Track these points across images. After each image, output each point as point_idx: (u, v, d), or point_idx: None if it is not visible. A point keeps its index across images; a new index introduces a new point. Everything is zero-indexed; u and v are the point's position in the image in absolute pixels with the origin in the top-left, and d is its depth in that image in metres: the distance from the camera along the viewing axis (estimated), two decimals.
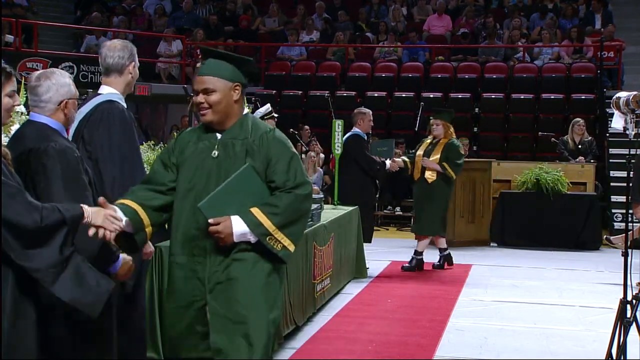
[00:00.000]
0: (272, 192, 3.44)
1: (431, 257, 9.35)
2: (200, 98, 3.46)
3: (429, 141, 9.00)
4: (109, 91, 4.25)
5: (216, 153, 3.46)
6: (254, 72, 3.66)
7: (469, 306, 7.36)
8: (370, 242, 8.90)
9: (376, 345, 5.93)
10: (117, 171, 4.00)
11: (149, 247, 4.15)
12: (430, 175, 8.79)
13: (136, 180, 3.84)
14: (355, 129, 8.87)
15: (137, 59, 4.33)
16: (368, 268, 8.66)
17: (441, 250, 9.15)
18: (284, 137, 3.54)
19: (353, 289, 7.91)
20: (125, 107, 4.22)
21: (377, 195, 9.66)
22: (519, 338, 6.29)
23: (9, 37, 14.22)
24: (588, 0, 17.29)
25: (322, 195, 8.84)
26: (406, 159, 9.04)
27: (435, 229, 8.89)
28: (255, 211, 3.38)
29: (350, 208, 8.29)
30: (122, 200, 3.49)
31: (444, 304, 7.39)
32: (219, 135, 3.50)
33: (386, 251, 9.80)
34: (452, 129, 9.00)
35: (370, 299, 7.57)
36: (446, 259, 9.16)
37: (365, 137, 8.96)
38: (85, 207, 3.24)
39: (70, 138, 4.13)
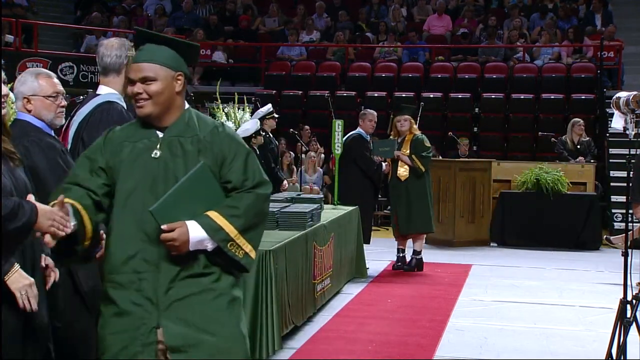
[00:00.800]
0: (228, 193, 3.04)
1: (425, 256, 9.34)
2: (138, 88, 3.01)
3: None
4: (107, 91, 4.21)
5: (157, 153, 3.02)
6: (195, 59, 3.30)
7: (469, 306, 7.36)
8: (368, 243, 8.89)
9: (376, 345, 5.93)
10: None
11: None
12: (402, 172, 8.72)
13: None
14: (358, 129, 8.91)
15: None
16: (368, 268, 8.66)
17: (416, 252, 8.94)
18: (235, 133, 3.18)
19: (353, 289, 7.91)
20: (125, 107, 4.19)
21: (378, 196, 9.62)
22: (519, 338, 6.29)
23: (9, 37, 14.24)
24: (588, 0, 17.31)
25: (322, 195, 8.85)
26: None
27: (427, 226, 8.84)
28: (214, 215, 2.97)
29: (350, 208, 8.29)
30: (71, 200, 2.99)
31: (444, 304, 7.39)
32: (160, 133, 3.06)
33: (386, 251, 9.79)
34: (414, 124, 8.95)
35: (370, 299, 7.56)
36: (417, 264, 8.91)
37: (368, 138, 8.95)
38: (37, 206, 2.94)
39: (70, 140, 4.13)
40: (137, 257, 2.96)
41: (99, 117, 4.06)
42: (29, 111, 3.75)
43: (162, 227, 2.90)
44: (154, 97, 3.01)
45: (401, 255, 9.00)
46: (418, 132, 8.93)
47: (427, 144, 8.85)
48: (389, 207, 13.45)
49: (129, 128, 3.12)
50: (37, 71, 3.85)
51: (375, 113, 9.07)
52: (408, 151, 8.73)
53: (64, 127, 4.25)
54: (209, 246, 2.97)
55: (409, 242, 9.00)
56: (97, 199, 3.04)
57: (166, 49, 3.05)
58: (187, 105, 3.14)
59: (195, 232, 2.94)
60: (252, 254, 3.05)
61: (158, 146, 3.02)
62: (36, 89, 3.75)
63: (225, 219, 2.97)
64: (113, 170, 3.04)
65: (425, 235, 9.09)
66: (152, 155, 3.01)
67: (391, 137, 9.01)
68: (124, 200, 3.00)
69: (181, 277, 2.97)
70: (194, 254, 2.97)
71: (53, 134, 3.86)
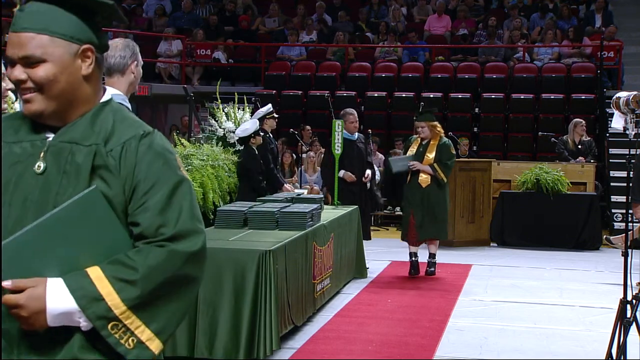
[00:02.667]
0: (135, 242, 1.95)
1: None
2: (19, 72, 1.95)
3: (418, 142, 8.70)
4: (112, 93, 4.18)
5: (41, 166, 1.95)
6: (113, 19, 2.10)
7: (469, 306, 7.36)
8: (369, 239, 8.89)
9: (376, 345, 5.93)
10: None
11: None
12: (424, 178, 8.55)
13: None
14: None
15: (140, 57, 4.27)
16: (368, 268, 8.66)
17: (432, 255, 8.83)
18: (167, 148, 2.03)
19: (353, 289, 7.91)
20: (130, 108, 4.18)
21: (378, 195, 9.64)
22: (519, 338, 6.29)
23: None
24: (588, 0, 17.32)
25: (322, 195, 8.85)
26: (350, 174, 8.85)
27: (442, 234, 8.75)
28: (95, 274, 1.86)
29: (350, 208, 8.29)
30: None
31: (444, 304, 7.39)
32: (50, 135, 2.00)
33: (386, 251, 9.80)
34: (439, 127, 8.70)
35: (370, 299, 7.57)
36: (434, 266, 8.84)
37: (354, 137, 9.01)
38: None
39: None
40: None
41: None
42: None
43: (4, 284, 1.81)
44: (46, 87, 1.95)
45: (414, 259, 8.77)
46: (443, 137, 8.72)
47: (453, 150, 8.72)
48: (389, 207, 13.51)
49: (14, 119, 2.05)
50: None
51: (352, 112, 9.06)
52: (433, 155, 8.52)
53: None
54: (82, 323, 1.87)
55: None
56: None
57: (60, 11, 1.96)
58: (107, 96, 2.10)
59: (58, 298, 1.83)
60: (153, 346, 1.90)
61: (41, 155, 1.96)
62: None
63: (111, 284, 1.86)
64: None
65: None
66: (34, 169, 1.95)
67: (416, 138, 8.74)
68: None
69: None
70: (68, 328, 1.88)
71: None
